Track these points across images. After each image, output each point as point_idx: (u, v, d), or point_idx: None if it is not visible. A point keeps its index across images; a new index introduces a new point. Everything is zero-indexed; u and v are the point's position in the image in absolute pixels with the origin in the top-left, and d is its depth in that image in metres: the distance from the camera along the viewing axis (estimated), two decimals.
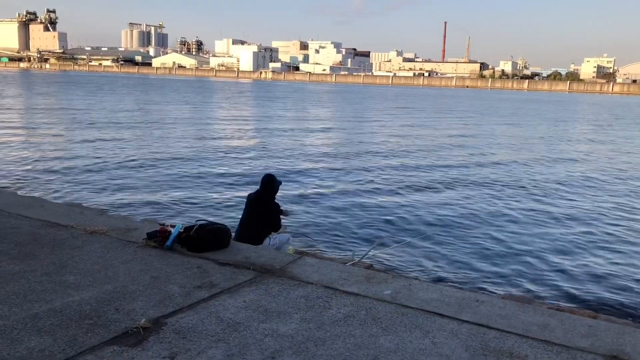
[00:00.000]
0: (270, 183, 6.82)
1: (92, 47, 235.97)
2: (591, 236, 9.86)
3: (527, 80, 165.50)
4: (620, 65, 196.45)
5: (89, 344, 3.43)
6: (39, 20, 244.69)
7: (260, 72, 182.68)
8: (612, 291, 7.30)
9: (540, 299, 6.87)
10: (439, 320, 4.02)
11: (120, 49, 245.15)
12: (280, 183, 6.97)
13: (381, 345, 3.59)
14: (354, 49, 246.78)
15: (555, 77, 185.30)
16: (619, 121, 44.59)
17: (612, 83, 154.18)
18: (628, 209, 12.27)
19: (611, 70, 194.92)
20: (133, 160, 16.33)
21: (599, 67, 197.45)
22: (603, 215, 11.46)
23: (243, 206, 6.98)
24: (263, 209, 6.74)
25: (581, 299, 7.02)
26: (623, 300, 7.03)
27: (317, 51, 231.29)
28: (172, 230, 5.54)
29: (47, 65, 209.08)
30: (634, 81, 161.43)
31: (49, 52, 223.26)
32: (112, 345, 3.44)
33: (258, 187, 6.92)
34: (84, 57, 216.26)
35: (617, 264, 8.43)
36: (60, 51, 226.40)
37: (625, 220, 11.19)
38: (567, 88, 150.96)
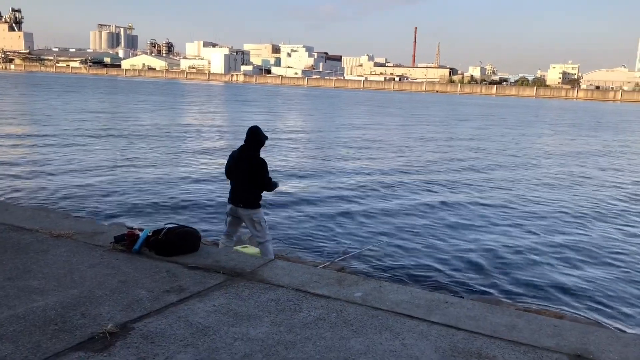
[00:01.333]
0: (255, 133, 6.33)
1: (59, 48, 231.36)
2: (555, 237, 10.06)
3: (495, 86, 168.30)
4: (585, 72, 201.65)
5: (53, 350, 3.35)
6: (3, 20, 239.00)
7: (232, 75, 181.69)
8: (576, 292, 7.45)
9: (508, 300, 6.98)
10: (409, 322, 4.04)
11: (88, 50, 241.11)
12: (266, 138, 6.47)
13: (352, 347, 3.60)
14: (326, 53, 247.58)
15: (522, 82, 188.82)
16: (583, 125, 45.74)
17: (577, 89, 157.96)
18: (595, 209, 12.57)
19: (576, 77, 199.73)
20: (100, 163, 16.04)
21: (564, 74, 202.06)
22: (566, 214, 11.71)
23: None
24: (250, 164, 6.32)
25: (548, 299, 7.15)
26: (587, 300, 7.19)
27: (289, 55, 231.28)
28: (140, 233, 5.46)
29: (12, 66, 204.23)
30: (597, 87, 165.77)
31: (14, 52, 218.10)
32: (78, 351, 3.36)
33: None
34: (51, 58, 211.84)
35: (582, 264, 8.62)
36: (26, 52, 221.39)
37: (588, 218, 11.46)
38: (534, 93, 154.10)
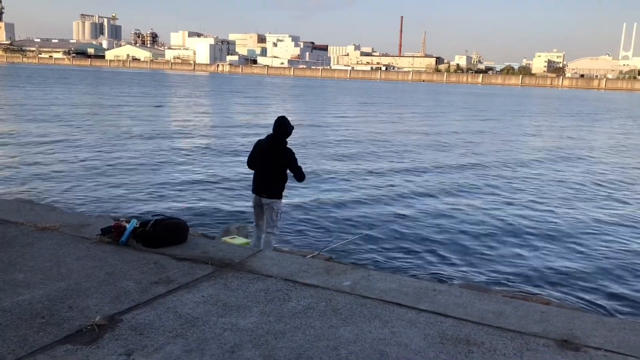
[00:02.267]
0: (283, 124, 6.24)
1: (41, 39, 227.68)
2: (543, 225, 10.15)
3: (481, 75, 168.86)
4: (570, 60, 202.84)
5: (40, 343, 3.32)
6: None
7: (218, 65, 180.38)
8: (563, 278, 7.54)
9: (496, 287, 7.04)
10: (398, 310, 4.06)
11: (71, 40, 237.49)
12: (292, 128, 6.36)
13: (341, 335, 3.61)
14: (312, 43, 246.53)
15: (508, 71, 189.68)
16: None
17: (561, 77, 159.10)
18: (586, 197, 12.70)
19: (561, 65, 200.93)
20: (86, 155, 15.89)
21: (549, 62, 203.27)
22: (551, 202, 11.82)
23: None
24: (279, 154, 6.27)
25: (536, 286, 7.22)
26: (574, 286, 7.28)
27: (275, 44, 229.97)
28: (127, 225, 5.42)
29: None
30: (582, 76, 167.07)
31: None
32: (66, 344, 3.34)
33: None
34: (33, 49, 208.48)
35: (568, 251, 8.72)
36: (7, 42, 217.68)
37: (577, 209, 11.58)
38: (520, 82, 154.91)
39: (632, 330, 3.90)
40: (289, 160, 6.31)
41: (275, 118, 6.38)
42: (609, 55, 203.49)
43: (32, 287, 4.16)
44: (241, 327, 3.67)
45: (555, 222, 10.43)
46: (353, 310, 4.01)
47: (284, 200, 6.69)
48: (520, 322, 3.94)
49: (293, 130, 6.39)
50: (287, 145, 6.38)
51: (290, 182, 6.57)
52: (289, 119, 6.36)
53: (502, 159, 18.55)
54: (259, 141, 6.48)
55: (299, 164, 6.39)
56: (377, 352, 3.41)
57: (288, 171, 6.42)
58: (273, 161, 6.30)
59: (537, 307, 4.33)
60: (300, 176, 6.42)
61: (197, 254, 5.16)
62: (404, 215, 10.51)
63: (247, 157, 6.58)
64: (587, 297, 6.96)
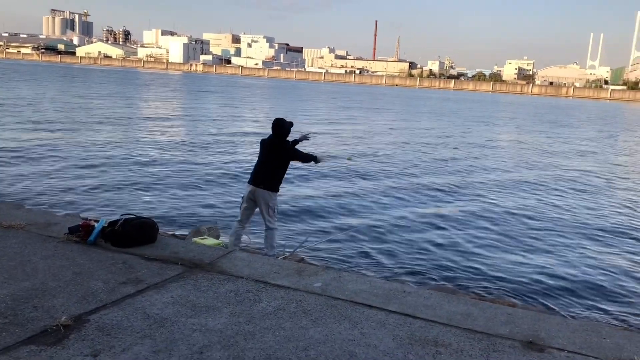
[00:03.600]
0: (280, 125, 6.64)
1: (9, 33, 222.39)
2: (508, 227, 10.34)
3: (453, 80, 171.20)
4: (539, 68, 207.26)
5: (3, 344, 3.25)
6: None
7: (191, 65, 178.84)
8: (529, 281, 7.69)
9: (464, 289, 7.14)
10: (368, 311, 4.09)
11: (41, 36, 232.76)
12: (291, 124, 6.80)
13: (311, 337, 3.62)
14: (287, 44, 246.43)
15: (479, 77, 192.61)
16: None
17: (531, 84, 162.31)
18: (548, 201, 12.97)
19: (531, 73, 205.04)
20: (54, 152, 15.57)
21: (519, 69, 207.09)
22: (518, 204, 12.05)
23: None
24: (279, 154, 6.65)
25: (502, 289, 7.34)
26: (538, 289, 7.42)
27: (249, 45, 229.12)
28: (96, 224, 5.34)
29: None
30: (551, 83, 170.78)
31: None
32: (29, 344, 3.27)
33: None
34: (1, 43, 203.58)
35: (532, 253, 8.89)
36: None
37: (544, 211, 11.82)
38: (491, 88, 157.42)
39: (594, 332, 4.01)
40: (294, 155, 6.74)
41: (273, 120, 6.76)
42: (577, 64, 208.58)
43: None
44: (210, 328, 3.65)
45: (524, 224, 10.62)
46: (323, 312, 4.03)
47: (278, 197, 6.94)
48: (487, 324, 4.01)
49: (292, 127, 6.79)
50: (288, 143, 6.76)
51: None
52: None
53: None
54: (263, 139, 6.88)
55: (303, 150, 6.87)
56: (347, 352, 3.43)
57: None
58: (275, 159, 6.67)
59: (503, 309, 4.41)
60: (311, 159, 6.86)
61: (167, 254, 5.11)
62: (378, 216, 10.57)
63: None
64: (551, 299, 7.11)
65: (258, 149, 6.93)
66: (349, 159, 15.81)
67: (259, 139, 6.94)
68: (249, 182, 6.80)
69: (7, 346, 3.23)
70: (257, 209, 6.89)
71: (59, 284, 4.19)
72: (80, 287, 4.16)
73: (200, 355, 3.28)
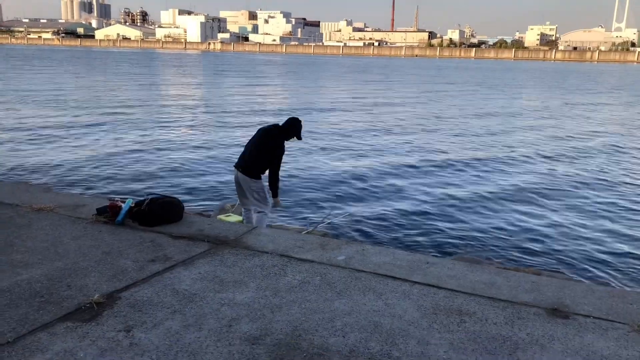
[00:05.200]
0: (293, 125, 6.44)
1: (30, 19, 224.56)
2: (532, 196, 10.26)
3: (474, 49, 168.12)
4: (562, 33, 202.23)
5: (41, 321, 3.38)
6: None
7: (209, 43, 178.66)
8: (554, 250, 7.65)
9: (488, 260, 7.14)
10: (392, 283, 4.13)
11: (60, 20, 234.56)
12: (300, 137, 6.56)
13: (336, 308, 3.68)
14: (304, 19, 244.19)
15: (501, 45, 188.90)
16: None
17: (554, 50, 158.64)
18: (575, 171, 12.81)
19: (553, 38, 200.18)
20: (81, 136, 15.82)
21: (542, 35, 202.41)
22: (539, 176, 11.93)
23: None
24: (268, 145, 6.36)
25: (527, 259, 7.33)
26: (563, 257, 7.39)
27: (266, 21, 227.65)
28: (123, 205, 5.45)
29: None
30: (575, 48, 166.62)
31: None
32: (66, 321, 3.40)
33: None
34: (22, 29, 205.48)
35: (557, 223, 8.83)
36: None
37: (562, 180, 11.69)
38: (513, 56, 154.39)
39: (620, 298, 3.99)
40: (275, 157, 6.38)
41: (290, 116, 6.59)
42: (602, 27, 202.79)
43: (30, 267, 4.21)
44: (238, 302, 3.73)
45: (544, 193, 10.52)
46: (348, 284, 4.08)
47: (264, 182, 6.66)
48: (511, 292, 4.02)
49: (299, 141, 6.65)
50: (284, 146, 6.46)
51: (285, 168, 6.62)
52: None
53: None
54: (262, 127, 6.62)
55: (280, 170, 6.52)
56: (372, 323, 3.49)
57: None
58: (264, 148, 6.37)
59: (528, 277, 4.41)
60: (273, 177, 6.46)
61: (193, 231, 5.21)
62: (399, 190, 10.57)
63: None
64: (578, 266, 7.08)
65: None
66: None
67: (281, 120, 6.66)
68: (234, 165, 6.64)
69: (45, 323, 3.36)
70: None
71: (90, 264, 4.32)
72: (110, 266, 4.28)
73: (229, 328, 3.37)
